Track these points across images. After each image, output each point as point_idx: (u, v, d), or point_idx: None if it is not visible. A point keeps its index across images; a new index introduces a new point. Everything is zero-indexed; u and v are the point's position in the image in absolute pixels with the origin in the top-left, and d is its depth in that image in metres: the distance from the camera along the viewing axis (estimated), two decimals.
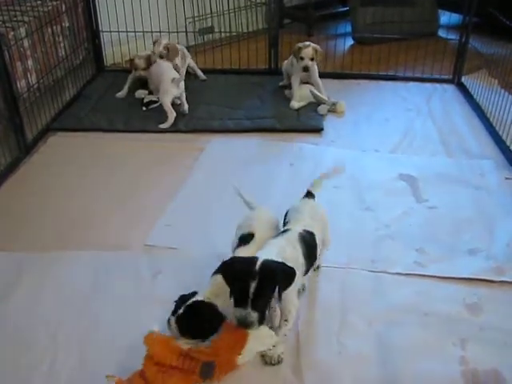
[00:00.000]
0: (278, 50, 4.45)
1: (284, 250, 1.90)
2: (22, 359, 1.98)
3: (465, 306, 2.21)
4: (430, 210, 2.82)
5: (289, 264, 1.83)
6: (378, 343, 2.04)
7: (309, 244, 2.02)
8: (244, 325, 1.77)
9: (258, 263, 1.77)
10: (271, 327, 1.94)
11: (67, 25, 4.14)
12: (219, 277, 1.92)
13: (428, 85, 4.35)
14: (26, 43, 3.56)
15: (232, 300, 1.80)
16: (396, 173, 3.14)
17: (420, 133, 3.63)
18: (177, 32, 4.51)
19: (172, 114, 3.64)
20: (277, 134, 3.62)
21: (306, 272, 2.04)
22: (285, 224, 2.16)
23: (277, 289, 1.78)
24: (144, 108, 3.90)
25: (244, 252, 2.02)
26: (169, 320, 1.88)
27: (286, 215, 2.21)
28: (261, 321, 1.79)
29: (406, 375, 1.91)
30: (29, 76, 3.60)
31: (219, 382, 1.79)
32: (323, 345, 2.04)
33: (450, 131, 3.65)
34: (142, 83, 4.13)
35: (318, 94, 3.94)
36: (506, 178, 3.09)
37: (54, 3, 4.00)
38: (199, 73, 4.43)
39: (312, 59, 3.88)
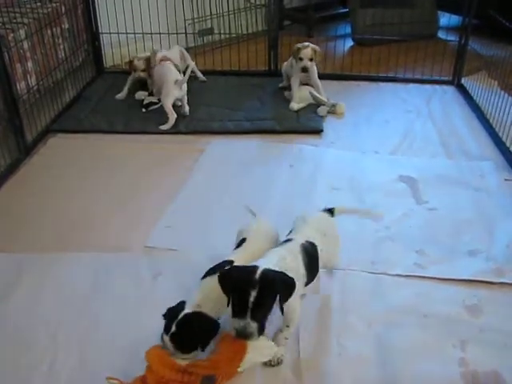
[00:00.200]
0: (277, 51, 4.46)
1: (284, 260, 1.85)
2: (22, 359, 1.98)
3: (465, 308, 2.21)
4: (430, 212, 2.82)
5: (289, 274, 1.78)
6: (377, 345, 2.04)
7: (311, 255, 1.97)
8: (243, 336, 1.72)
9: (258, 272, 1.72)
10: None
11: (67, 27, 4.15)
12: (209, 280, 1.91)
13: (428, 86, 4.36)
14: (25, 45, 3.56)
15: (230, 310, 1.75)
16: (396, 174, 3.14)
17: (420, 134, 3.63)
18: (176, 33, 4.53)
19: (173, 116, 3.64)
20: (276, 135, 3.62)
21: (307, 284, 1.98)
22: (290, 231, 2.13)
23: (277, 299, 1.73)
24: (144, 109, 3.90)
25: (230, 257, 2.00)
26: (162, 337, 1.82)
27: (294, 222, 2.17)
28: (260, 331, 1.73)
29: (406, 376, 1.91)
30: (28, 78, 3.61)
31: None
32: (323, 346, 2.03)
33: (449, 133, 3.65)
34: (142, 85, 4.14)
35: (318, 95, 3.94)
36: (506, 180, 3.09)
37: (54, 5, 4.01)
38: (199, 74, 4.43)
39: (311, 60, 3.88)
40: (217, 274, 1.88)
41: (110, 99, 4.09)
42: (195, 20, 5.07)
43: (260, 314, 1.71)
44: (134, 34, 4.38)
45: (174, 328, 1.78)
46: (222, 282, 1.77)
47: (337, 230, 2.21)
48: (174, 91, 3.65)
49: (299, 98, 3.94)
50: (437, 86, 4.36)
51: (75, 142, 3.55)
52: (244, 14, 5.30)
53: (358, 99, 4.15)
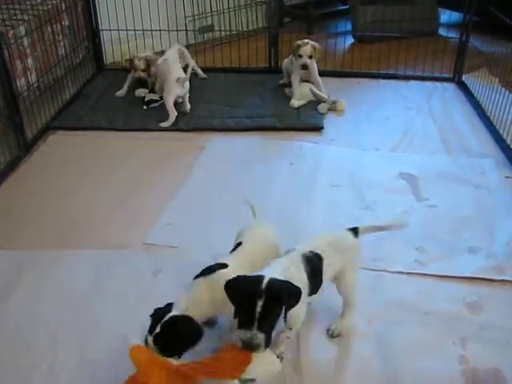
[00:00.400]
0: (278, 48, 4.45)
1: (289, 270, 1.82)
2: (22, 359, 1.98)
3: (465, 305, 2.21)
4: (430, 209, 2.82)
5: (294, 283, 1.75)
6: (378, 342, 2.04)
7: (314, 265, 1.90)
8: (250, 347, 1.66)
9: (265, 281, 1.68)
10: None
11: (67, 23, 4.14)
12: (199, 282, 1.88)
13: (428, 83, 4.35)
14: (25, 42, 3.56)
15: (236, 321, 1.70)
16: (396, 171, 3.14)
17: (420, 131, 3.63)
18: (177, 31, 4.52)
19: (173, 114, 3.64)
20: (277, 132, 3.61)
21: (311, 294, 1.91)
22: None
23: (283, 308, 1.70)
24: (145, 107, 3.90)
25: (224, 260, 1.97)
26: (146, 339, 1.78)
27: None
28: (267, 342, 1.69)
29: (406, 374, 1.91)
30: (29, 74, 3.60)
31: None
32: (323, 343, 2.04)
33: (450, 130, 3.64)
34: (142, 83, 4.12)
35: (318, 92, 3.93)
36: (506, 177, 3.09)
37: (54, 2, 4.00)
38: (199, 71, 4.42)
39: (310, 57, 3.88)
40: (207, 276, 1.87)
41: (110, 96, 4.08)
42: (195, 17, 5.06)
43: (267, 324, 1.67)
44: (135, 30, 4.37)
45: (158, 329, 1.75)
46: (229, 291, 1.73)
47: (357, 249, 2.06)
48: (175, 89, 3.64)
49: (299, 95, 3.94)
50: (437, 83, 4.35)
51: (75, 139, 3.55)
52: (244, 10, 5.29)
53: (359, 96, 4.14)
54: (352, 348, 2.02)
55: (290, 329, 1.90)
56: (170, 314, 1.78)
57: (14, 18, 3.54)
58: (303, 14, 5.53)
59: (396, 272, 2.39)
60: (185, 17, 4.85)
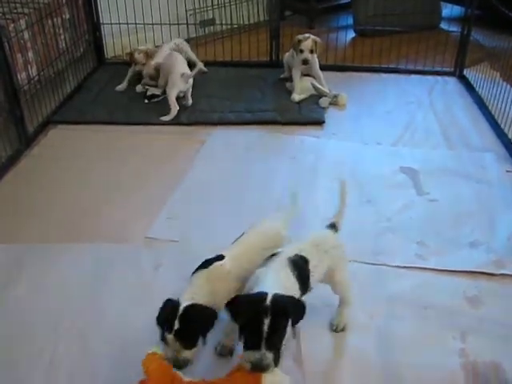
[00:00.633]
0: (279, 42, 4.44)
1: (280, 279, 1.76)
2: (24, 351, 1.99)
3: (465, 299, 2.21)
4: (431, 203, 2.82)
5: (289, 292, 1.72)
6: (378, 336, 2.05)
7: (300, 269, 1.86)
8: (259, 369, 1.59)
9: (269, 298, 1.62)
10: None
11: (68, 17, 4.13)
12: (199, 275, 1.88)
13: (430, 77, 4.34)
14: (26, 35, 3.56)
15: (242, 343, 1.63)
16: (397, 165, 3.14)
17: (421, 126, 3.63)
18: (178, 24, 4.51)
19: (175, 108, 3.63)
20: (278, 126, 3.61)
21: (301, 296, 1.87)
22: None
23: (289, 323, 1.65)
24: (146, 101, 3.89)
25: (223, 251, 1.98)
26: (165, 339, 1.74)
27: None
28: (277, 361, 1.61)
29: (407, 367, 1.92)
30: (29, 68, 3.60)
31: None
32: (324, 338, 2.04)
33: (451, 124, 3.64)
34: (142, 77, 4.11)
35: (320, 86, 3.93)
36: (507, 171, 3.09)
37: None
38: (200, 65, 4.40)
39: (312, 52, 3.87)
40: (206, 268, 1.88)
41: (111, 90, 4.08)
42: (197, 10, 5.05)
43: (275, 342, 1.60)
44: (135, 24, 4.36)
45: (177, 325, 1.73)
46: (233, 312, 1.67)
47: (342, 250, 2.06)
48: (179, 84, 3.64)
49: (301, 89, 3.93)
50: (439, 77, 4.34)
51: (76, 133, 3.55)
52: (245, 4, 5.28)
53: (360, 90, 4.14)
54: (352, 341, 2.02)
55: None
56: (182, 307, 1.76)
57: (15, 11, 3.54)
58: (305, 7, 5.51)
59: (396, 266, 2.39)
60: (186, 10, 4.85)
